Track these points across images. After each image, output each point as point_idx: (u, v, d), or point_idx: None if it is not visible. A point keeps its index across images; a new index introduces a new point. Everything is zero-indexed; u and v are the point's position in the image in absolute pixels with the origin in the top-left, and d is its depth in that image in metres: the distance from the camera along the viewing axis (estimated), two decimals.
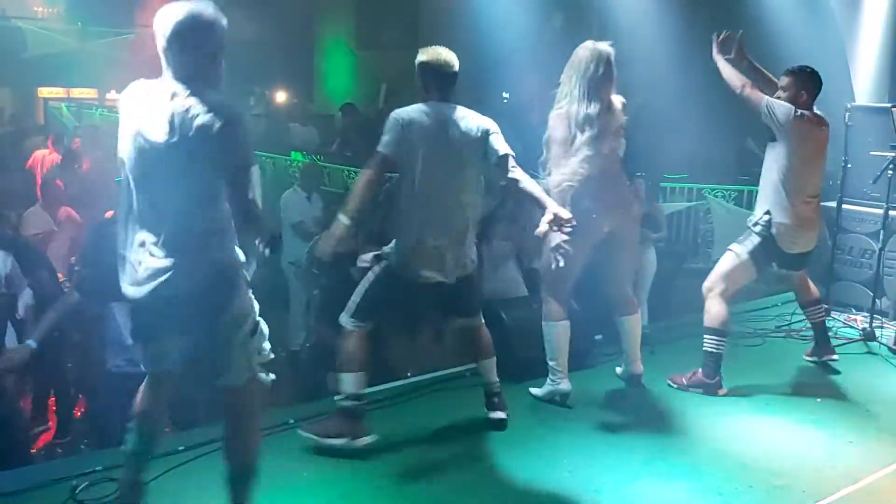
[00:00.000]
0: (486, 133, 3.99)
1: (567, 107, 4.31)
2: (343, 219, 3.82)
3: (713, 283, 4.86)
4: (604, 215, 4.34)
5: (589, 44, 4.36)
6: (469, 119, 4.00)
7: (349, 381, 3.93)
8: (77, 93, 17.79)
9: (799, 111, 4.65)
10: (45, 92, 17.66)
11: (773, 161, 4.76)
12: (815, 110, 4.79)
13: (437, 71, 3.99)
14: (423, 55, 4.02)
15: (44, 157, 10.61)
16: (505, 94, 12.76)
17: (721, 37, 4.90)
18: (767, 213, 4.76)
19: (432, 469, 3.81)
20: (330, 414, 4.01)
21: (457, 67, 4.01)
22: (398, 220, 4.04)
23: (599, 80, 4.27)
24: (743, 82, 4.75)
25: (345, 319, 4.02)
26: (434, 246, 3.93)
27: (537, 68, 10.59)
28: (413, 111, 3.95)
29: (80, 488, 3.40)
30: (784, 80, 4.78)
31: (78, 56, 18.24)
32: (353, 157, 9.85)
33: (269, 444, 3.92)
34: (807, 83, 4.74)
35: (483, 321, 4.33)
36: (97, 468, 3.59)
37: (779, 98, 4.75)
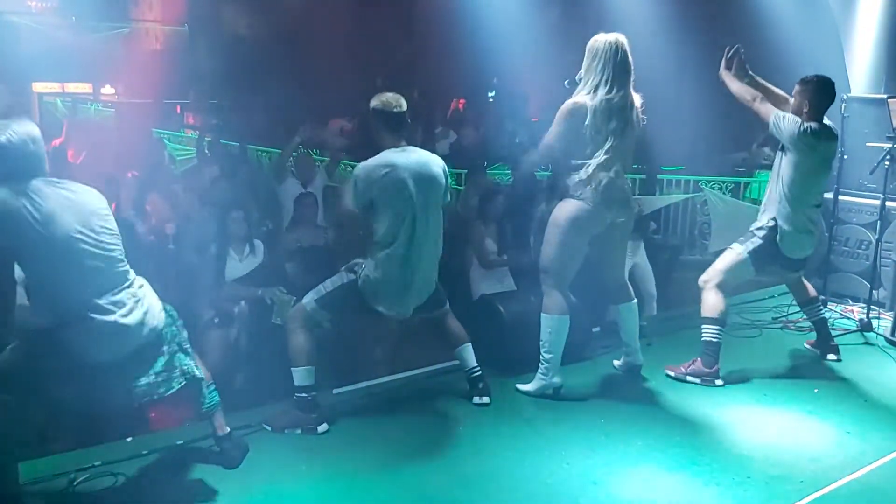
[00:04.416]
0: (445, 171, 4.20)
1: (586, 96, 4.25)
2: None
3: (711, 276, 4.89)
4: (610, 208, 4.35)
5: (604, 34, 4.31)
6: (427, 157, 4.15)
7: (301, 375, 4.04)
8: (72, 88, 17.70)
9: (805, 126, 4.64)
10: (39, 87, 17.57)
11: (780, 170, 4.80)
12: (826, 121, 4.78)
13: (385, 114, 4.09)
14: (372, 102, 4.12)
15: None
16: (491, 94, 12.74)
17: (730, 52, 4.88)
18: (773, 219, 4.80)
19: (431, 463, 3.81)
20: (288, 406, 4.12)
21: (404, 108, 4.10)
22: (368, 251, 4.13)
23: (621, 69, 4.25)
24: (753, 95, 4.82)
25: (308, 298, 4.12)
26: (397, 284, 4.07)
27: (532, 61, 10.60)
28: (370, 168, 4.02)
29: (78, 481, 3.40)
30: (796, 88, 4.78)
31: (72, 51, 18.16)
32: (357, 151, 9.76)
33: (269, 441, 3.95)
34: (812, 95, 4.72)
35: (449, 309, 4.45)
36: (96, 463, 3.59)
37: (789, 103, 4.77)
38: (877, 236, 5.91)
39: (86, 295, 3.13)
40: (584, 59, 4.31)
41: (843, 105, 5.92)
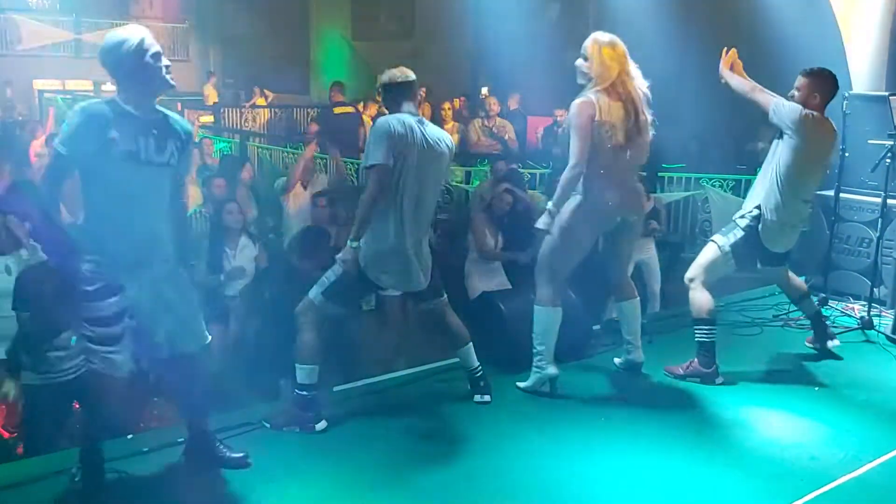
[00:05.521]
0: (451, 149, 4.22)
1: (595, 94, 4.24)
2: (352, 244, 3.96)
3: (694, 273, 4.86)
4: (619, 206, 4.35)
5: (600, 34, 4.31)
6: (438, 132, 4.18)
7: (304, 373, 4.02)
8: (72, 84, 17.71)
9: (806, 112, 4.62)
10: (40, 84, 17.57)
11: (775, 158, 4.75)
12: (825, 115, 4.76)
13: (397, 85, 4.14)
14: (381, 78, 4.19)
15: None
16: (484, 90, 12.76)
17: (727, 53, 4.87)
18: (758, 208, 4.76)
19: (430, 461, 3.81)
20: (287, 404, 4.12)
21: (412, 76, 4.15)
22: (374, 223, 4.04)
23: (620, 68, 4.24)
24: (752, 86, 4.80)
25: (314, 293, 4.08)
26: (406, 252, 4.05)
27: (533, 59, 10.59)
28: (395, 121, 4.01)
29: (79, 478, 3.40)
30: (799, 80, 4.73)
31: (73, 47, 18.20)
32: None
33: (269, 439, 3.95)
34: (822, 86, 4.69)
35: (447, 301, 4.41)
36: None
37: (792, 97, 4.74)
38: (878, 234, 5.91)
39: None
40: (585, 60, 4.29)
41: (845, 102, 5.91)
